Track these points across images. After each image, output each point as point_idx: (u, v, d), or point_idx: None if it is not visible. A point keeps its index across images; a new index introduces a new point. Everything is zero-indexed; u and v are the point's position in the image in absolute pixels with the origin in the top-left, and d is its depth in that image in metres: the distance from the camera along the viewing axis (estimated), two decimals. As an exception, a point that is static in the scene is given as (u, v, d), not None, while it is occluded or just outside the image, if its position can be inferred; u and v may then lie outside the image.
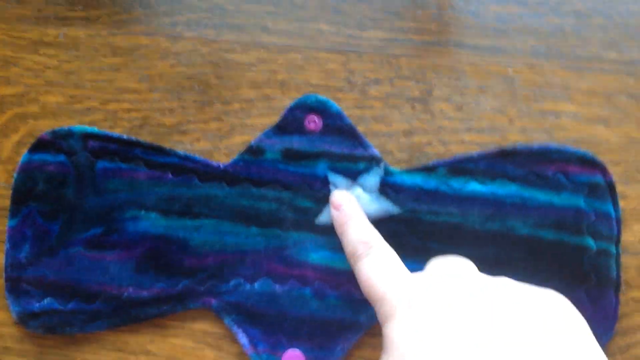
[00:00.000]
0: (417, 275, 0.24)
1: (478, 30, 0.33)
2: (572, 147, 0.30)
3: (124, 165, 0.32)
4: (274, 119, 0.33)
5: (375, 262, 0.26)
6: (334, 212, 0.30)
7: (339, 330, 0.31)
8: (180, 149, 0.33)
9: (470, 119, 0.32)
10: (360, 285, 0.26)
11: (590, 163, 0.30)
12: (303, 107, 0.32)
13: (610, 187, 0.30)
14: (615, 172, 0.31)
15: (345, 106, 0.33)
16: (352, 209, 0.29)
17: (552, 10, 0.33)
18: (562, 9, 0.33)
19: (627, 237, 0.30)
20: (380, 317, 0.23)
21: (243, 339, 0.31)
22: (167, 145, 0.33)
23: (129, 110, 0.34)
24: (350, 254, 0.27)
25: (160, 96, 0.34)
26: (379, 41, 0.34)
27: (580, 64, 0.32)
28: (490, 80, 0.32)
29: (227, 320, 0.31)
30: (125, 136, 0.32)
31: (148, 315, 0.31)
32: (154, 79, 0.34)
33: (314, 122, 0.32)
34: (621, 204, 0.30)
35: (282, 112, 0.32)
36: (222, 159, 0.32)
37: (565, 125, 0.32)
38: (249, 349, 0.31)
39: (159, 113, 0.34)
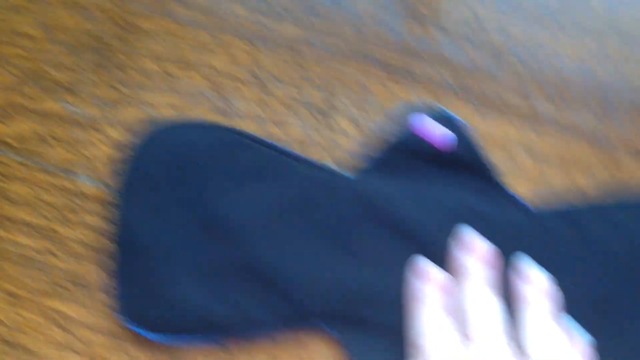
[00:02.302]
0: None
1: (394, 46, 0.31)
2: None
3: None
4: (172, 99, 0.31)
5: None
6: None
7: None
8: (65, 110, 0.31)
9: (367, 141, 0.31)
10: None
11: None
12: None
13: None
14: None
15: (246, 101, 0.31)
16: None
17: (472, 45, 0.31)
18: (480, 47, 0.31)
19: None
20: None
21: None
22: (51, 102, 0.31)
23: (21, 57, 0.32)
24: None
25: (57, 49, 0.32)
26: (292, 39, 0.32)
27: (486, 105, 0.31)
28: (394, 104, 0.31)
29: None
30: None
31: None
32: (54, 30, 0.32)
33: None
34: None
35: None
36: (109, 130, 0.31)
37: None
38: None
39: (52, 67, 0.32)
